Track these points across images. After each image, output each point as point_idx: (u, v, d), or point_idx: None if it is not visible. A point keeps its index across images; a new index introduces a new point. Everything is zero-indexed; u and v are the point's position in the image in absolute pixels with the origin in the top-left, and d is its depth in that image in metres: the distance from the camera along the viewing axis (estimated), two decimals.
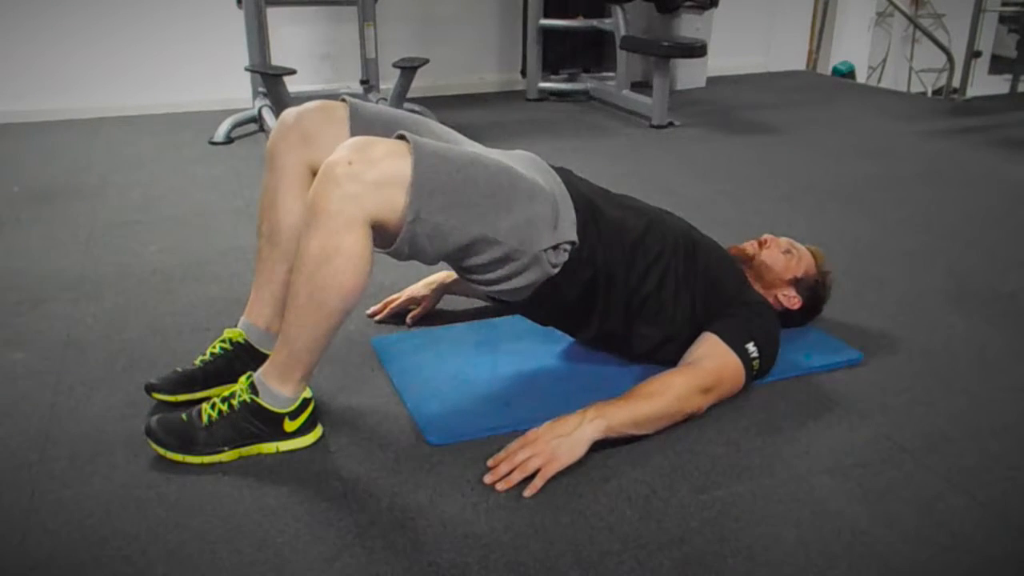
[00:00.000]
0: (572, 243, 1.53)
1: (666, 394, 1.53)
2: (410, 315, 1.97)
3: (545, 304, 1.62)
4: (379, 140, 1.39)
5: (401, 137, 1.40)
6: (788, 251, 1.85)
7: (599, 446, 1.46)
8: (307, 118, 1.58)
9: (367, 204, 1.33)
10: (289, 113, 1.60)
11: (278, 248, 1.59)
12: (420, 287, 2.00)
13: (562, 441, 1.42)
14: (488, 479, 1.41)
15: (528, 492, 1.38)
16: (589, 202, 1.61)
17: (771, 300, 1.82)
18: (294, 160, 1.56)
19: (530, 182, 1.50)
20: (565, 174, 1.66)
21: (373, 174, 1.34)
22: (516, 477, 1.40)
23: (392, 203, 1.34)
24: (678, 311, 1.67)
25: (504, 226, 1.44)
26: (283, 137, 1.58)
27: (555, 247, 1.51)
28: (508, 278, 1.50)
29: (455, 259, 1.48)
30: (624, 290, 1.63)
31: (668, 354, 1.68)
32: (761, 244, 1.86)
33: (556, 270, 1.53)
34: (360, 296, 1.39)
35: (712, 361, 1.60)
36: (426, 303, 1.98)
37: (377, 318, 1.98)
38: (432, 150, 1.40)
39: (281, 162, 1.58)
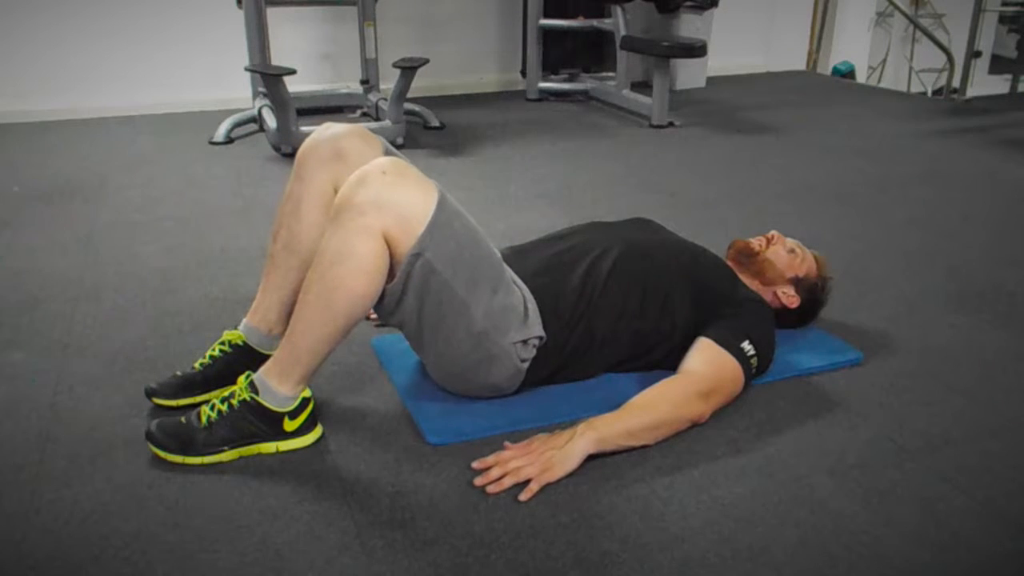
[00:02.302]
0: (540, 338, 1.56)
1: (661, 403, 1.53)
2: None
3: (526, 386, 1.64)
4: (414, 168, 1.45)
5: None
6: (792, 251, 1.85)
7: (601, 456, 1.45)
8: (344, 138, 1.58)
9: (387, 215, 1.36)
10: (327, 127, 1.61)
11: (295, 256, 1.59)
12: None
13: (555, 453, 1.42)
14: (478, 481, 1.41)
15: (524, 496, 1.38)
16: (547, 290, 1.60)
17: (769, 297, 1.82)
18: (324, 176, 1.57)
19: (510, 276, 1.55)
20: (518, 258, 1.68)
21: (401, 192, 1.38)
22: (508, 482, 1.40)
23: (407, 227, 1.38)
24: (670, 329, 1.67)
25: (484, 305, 1.47)
26: (316, 149, 1.58)
27: (524, 342, 1.54)
28: (476, 371, 1.54)
29: (429, 327, 1.49)
30: (598, 343, 1.64)
31: (664, 358, 1.68)
32: (768, 240, 1.86)
33: (525, 365, 1.56)
34: (368, 305, 1.42)
35: (708, 365, 1.59)
36: None
37: (378, 322, 1.98)
38: (454, 205, 1.45)
39: (310, 174, 1.58)
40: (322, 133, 1.60)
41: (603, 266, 1.65)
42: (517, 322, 1.53)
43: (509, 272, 1.57)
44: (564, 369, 1.64)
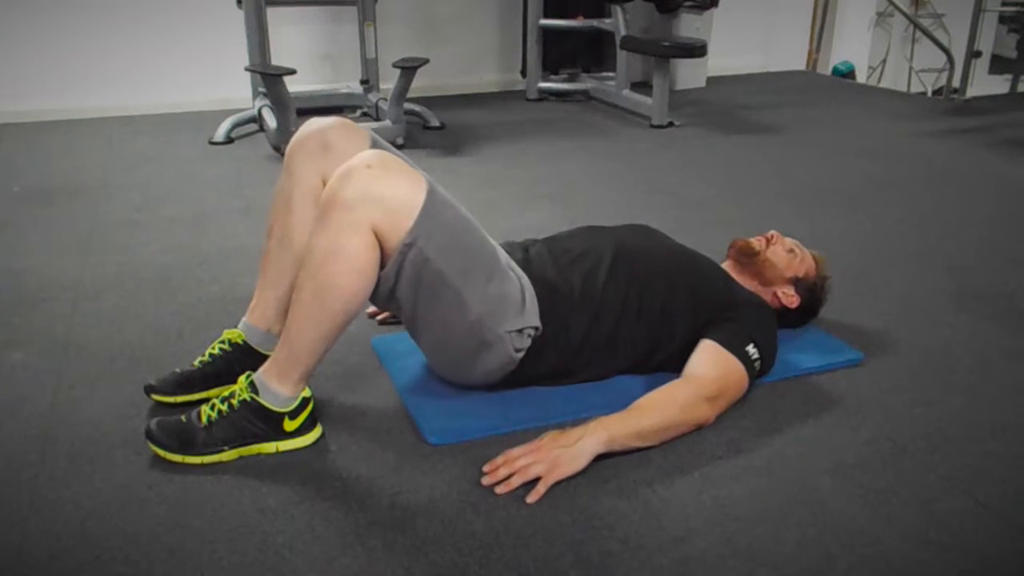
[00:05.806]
0: (536, 328, 1.55)
1: (669, 406, 1.52)
2: None
3: (519, 380, 1.63)
4: (400, 160, 1.44)
5: None
6: (792, 250, 1.85)
7: (603, 455, 1.45)
8: (330, 130, 1.59)
9: (375, 210, 1.35)
10: (313, 121, 1.61)
11: (289, 252, 1.59)
12: None
13: (564, 451, 1.42)
14: (487, 481, 1.41)
15: (531, 498, 1.37)
16: (547, 282, 1.61)
17: (769, 297, 1.82)
18: (311, 169, 1.57)
19: (506, 264, 1.54)
20: (522, 251, 1.69)
21: (388, 184, 1.37)
22: (516, 481, 1.40)
23: (396, 221, 1.37)
24: (669, 335, 1.67)
25: (479, 293, 1.47)
26: (303, 144, 1.59)
27: (520, 331, 1.53)
28: (470, 358, 1.54)
29: (423, 315, 1.49)
30: (597, 347, 1.64)
31: (665, 362, 1.68)
32: (768, 240, 1.86)
33: (520, 355, 1.55)
34: (363, 301, 1.42)
35: (714, 369, 1.59)
36: None
37: (379, 318, 1.98)
38: (443, 194, 1.45)
39: (299, 169, 1.59)
40: (308, 128, 1.60)
41: (600, 271, 1.65)
42: (513, 310, 1.52)
43: (505, 260, 1.56)
44: (563, 369, 1.64)
